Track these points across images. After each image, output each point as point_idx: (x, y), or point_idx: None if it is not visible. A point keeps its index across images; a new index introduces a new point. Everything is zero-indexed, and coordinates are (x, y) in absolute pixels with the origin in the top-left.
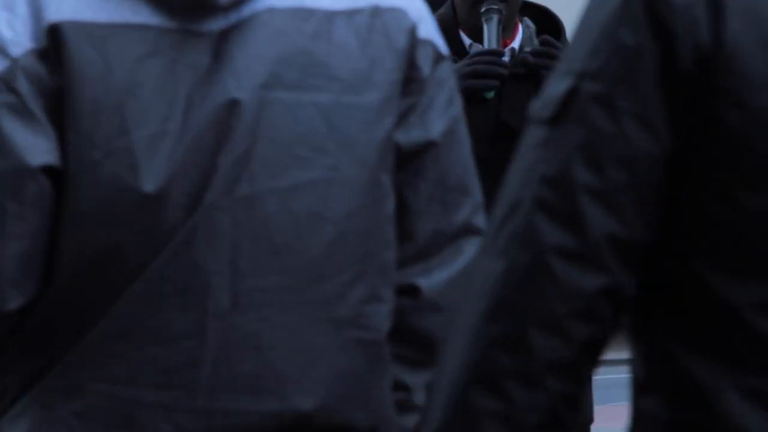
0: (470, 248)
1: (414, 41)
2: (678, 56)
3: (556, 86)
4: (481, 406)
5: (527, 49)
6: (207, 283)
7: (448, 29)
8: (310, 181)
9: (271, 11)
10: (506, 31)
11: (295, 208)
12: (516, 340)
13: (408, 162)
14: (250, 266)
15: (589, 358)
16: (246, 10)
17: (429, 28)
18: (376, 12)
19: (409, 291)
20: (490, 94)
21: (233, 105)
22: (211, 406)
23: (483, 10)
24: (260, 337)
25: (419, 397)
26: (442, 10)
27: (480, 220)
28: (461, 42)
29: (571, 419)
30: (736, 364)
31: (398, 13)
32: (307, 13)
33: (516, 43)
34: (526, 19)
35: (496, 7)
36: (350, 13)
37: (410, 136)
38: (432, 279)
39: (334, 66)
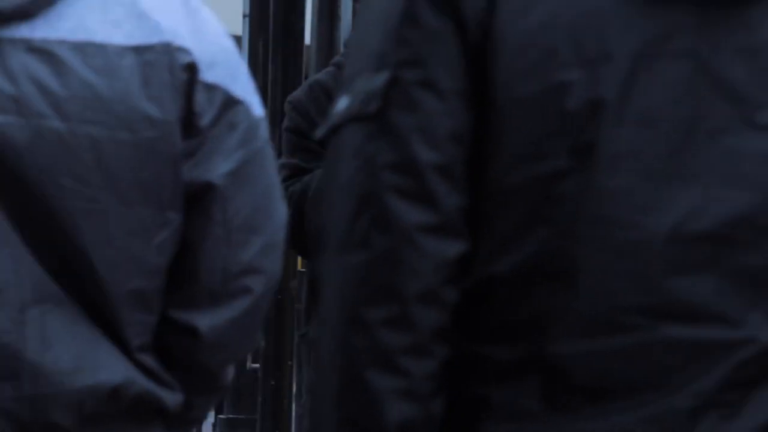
0: (258, 287)
1: (195, 84)
2: (468, 34)
3: (367, 83)
4: (382, 387)
5: None
6: (18, 282)
7: None
8: (70, 210)
9: (62, 43)
10: None
11: (53, 234)
12: (400, 317)
13: (192, 202)
14: (29, 273)
15: (454, 320)
16: (38, 32)
17: (221, 73)
18: (167, 50)
19: (191, 332)
20: None
21: (8, 127)
22: (35, 391)
23: None
24: (46, 329)
25: (196, 413)
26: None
27: (270, 260)
28: None
29: (446, 383)
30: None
31: (185, 54)
32: (97, 48)
33: None
34: None
35: None
36: (141, 50)
37: (191, 176)
38: (215, 319)
39: (114, 102)
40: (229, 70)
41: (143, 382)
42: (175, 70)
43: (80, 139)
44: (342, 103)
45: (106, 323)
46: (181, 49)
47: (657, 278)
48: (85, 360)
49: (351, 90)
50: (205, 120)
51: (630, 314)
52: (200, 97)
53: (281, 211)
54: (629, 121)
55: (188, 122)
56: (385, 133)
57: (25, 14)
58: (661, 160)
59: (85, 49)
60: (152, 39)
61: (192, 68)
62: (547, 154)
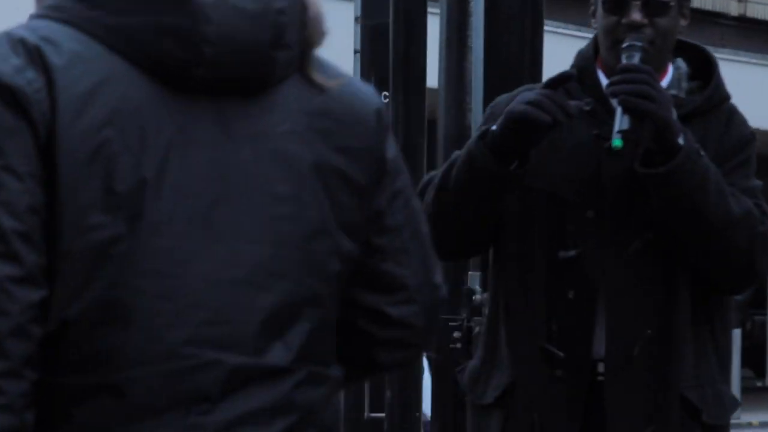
0: None
1: None
2: (39, 134)
3: None
4: None
5: (673, 92)
6: None
7: (586, 68)
8: None
9: None
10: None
11: None
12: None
13: None
14: None
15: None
16: None
17: None
18: None
19: None
20: (617, 143)
21: None
22: None
23: (624, 46)
24: None
25: None
26: (584, 47)
27: None
28: (598, 82)
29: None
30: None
31: None
32: None
33: (663, 85)
34: (679, 60)
35: (639, 44)
36: None
37: None
38: None
39: None
40: None
41: None
42: None
43: None
44: None
45: None
46: None
47: (197, 316)
48: None
49: None
50: None
51: (178, 345)
52: None
53: None
54: (166, 195)
55: None
56: None
57: None
58: (193, 225)
59: None
60: None
61: None
62: (105, 224)
